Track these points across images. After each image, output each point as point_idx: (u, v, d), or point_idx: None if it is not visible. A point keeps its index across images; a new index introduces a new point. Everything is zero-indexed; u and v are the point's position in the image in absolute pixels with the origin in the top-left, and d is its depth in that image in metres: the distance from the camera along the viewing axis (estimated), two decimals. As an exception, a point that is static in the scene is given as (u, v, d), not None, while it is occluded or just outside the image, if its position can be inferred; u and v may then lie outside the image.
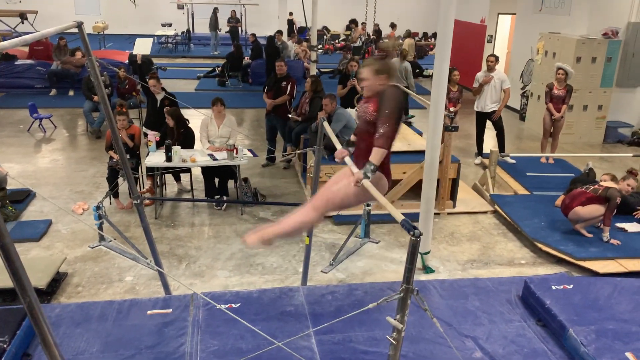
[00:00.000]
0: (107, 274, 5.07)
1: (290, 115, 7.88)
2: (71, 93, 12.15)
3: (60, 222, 6.05)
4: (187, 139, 6.89)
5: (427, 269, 5.35)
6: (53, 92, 12.13)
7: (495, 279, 4.92)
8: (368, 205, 5.63)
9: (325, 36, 20.83)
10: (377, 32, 18.25)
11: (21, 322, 3.66)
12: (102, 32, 18.69)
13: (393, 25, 19.27)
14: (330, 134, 3.66)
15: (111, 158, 6.56)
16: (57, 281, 4.77)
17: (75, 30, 3.08)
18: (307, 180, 7.23)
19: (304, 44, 15.91)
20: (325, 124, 4.05)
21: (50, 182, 7.30)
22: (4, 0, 21.48)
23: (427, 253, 5.38)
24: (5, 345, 3.38)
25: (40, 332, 2.06)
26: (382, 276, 5.23)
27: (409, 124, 8.32)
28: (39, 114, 9.62)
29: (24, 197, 6.52)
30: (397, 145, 6.91)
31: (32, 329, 3.74)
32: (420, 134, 7.86)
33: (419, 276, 5.18)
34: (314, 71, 11.42)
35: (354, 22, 20.73)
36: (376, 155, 2.94)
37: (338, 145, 3.47)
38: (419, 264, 5.30)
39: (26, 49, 13.56)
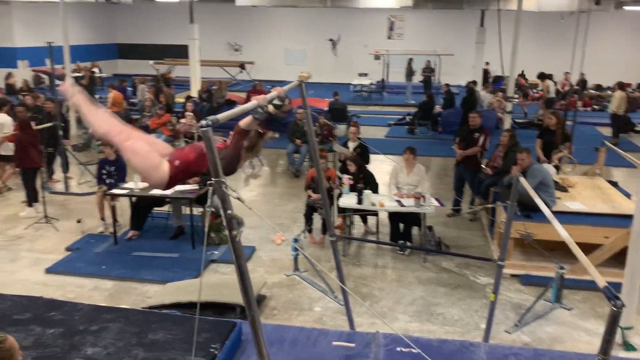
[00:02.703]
0: (299, 301, 5.54)
1: (482, 167, 7.81)
2: (276, 135, 13.53)
3: (262, 249, 6.78)
4: (367, 183, 7.21)
5: (627, 346, 4.82)
6: (262, 133, 13.68)
7: None
8: (562, 268, 5.32)
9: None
10: (583, 82, 17.11)
11: (229, 333, 4.20)
12: (305, 81, 20.51)
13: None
14: (530, 191, 3.62)
15: (309, 197, 7.19)
16: (258, 302, 5.35)
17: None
18: (494, 234, 7.05)
19: (499, 94, 15.59)
20: (523, 180, 4.00)
21: (254, 213, 8.20)
22: (227, 52, 24.89)
23: (630, 329, 4.87)
24: (217, 352, 3.93)
25: (257, 343, 2.43)
26: (573, 345, 4.85)
27: (615, 184, 7.63)
28: (251, 152, 10.93)
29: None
30: (599, 207, 6.45)
31: (238, 341, 4.30)
32: (628, 195, 7.16)
33: (618, 352, 4.71)
34: (507, 122, 11.14)
35: (543, 75, 19.75)
36: None
37: (538, 201, 3.41)
38: (618, 338, 4.82)
39: (244, 95, 15.54)
